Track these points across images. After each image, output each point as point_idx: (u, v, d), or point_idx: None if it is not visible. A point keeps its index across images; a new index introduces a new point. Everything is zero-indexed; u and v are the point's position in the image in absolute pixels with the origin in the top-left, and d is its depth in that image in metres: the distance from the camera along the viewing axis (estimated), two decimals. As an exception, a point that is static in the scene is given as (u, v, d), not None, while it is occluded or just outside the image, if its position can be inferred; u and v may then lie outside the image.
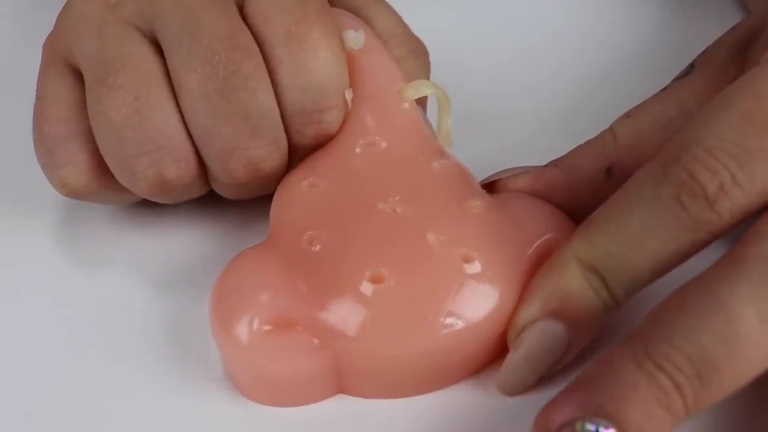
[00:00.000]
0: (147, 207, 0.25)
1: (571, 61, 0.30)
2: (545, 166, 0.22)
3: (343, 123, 0.22)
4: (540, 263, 0.20)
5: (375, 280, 0.19)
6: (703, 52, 0.22)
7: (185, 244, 0.24)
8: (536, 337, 0.19)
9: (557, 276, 0.19)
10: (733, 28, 0.22)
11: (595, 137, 0.22)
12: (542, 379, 0.20)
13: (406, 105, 0.23)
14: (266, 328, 0.19)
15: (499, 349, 0.20)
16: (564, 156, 0.22)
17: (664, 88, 0.22)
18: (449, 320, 0.19)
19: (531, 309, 0.19)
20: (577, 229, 0.19)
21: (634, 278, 0.18)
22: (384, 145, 0.22)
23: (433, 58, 0.25)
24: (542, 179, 0.22)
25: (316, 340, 0.19)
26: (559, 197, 0.21)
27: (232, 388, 0.20)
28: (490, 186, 0.22)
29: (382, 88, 0.23)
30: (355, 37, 0.22)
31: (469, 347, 0.20)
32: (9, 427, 0.20)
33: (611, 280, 0.18)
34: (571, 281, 0.19)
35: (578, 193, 0.21)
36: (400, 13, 0.25)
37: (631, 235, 0.18)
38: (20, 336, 0.22)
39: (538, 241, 0.20)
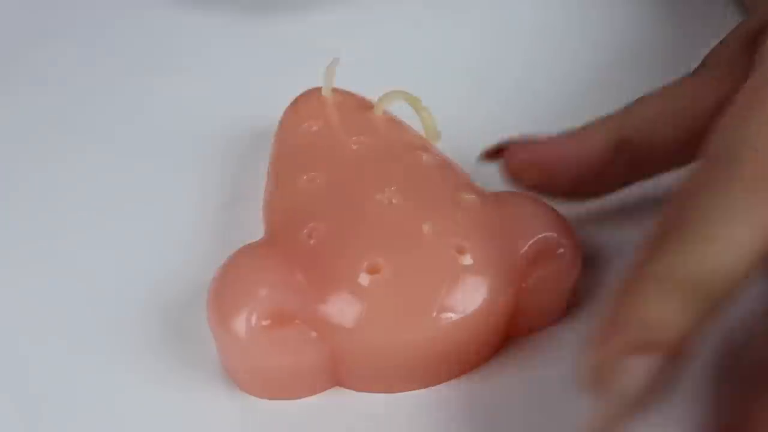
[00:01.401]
0: (145, 203, 0.25)
1: (567, 60, 0.30)
2: (556, 135, 0.22)
3: (335, 125, 0.23)
4: (534, 261, 0.20)
5: (372, 271, 0.19)
6: (711, 51, 0.22)
7: (183, 239, 0.24)
8: (628, 376, 0.16)
9: (638, 303, 0.17)
10: (737, 27, 0.23)
11: (608, 114, 0.22)
12: (536, 375, 0.20)
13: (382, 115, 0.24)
14: (264, 322, 0.19)
15: (494, 344, 0.20)
16: (575, 128, 0.22)
17: (676, 80, 0.22)
18: (444, 311, 0.19)
19: (615, 344, 0.16)
20: (647, 247, 0.17)
21: (719, 288, 0.16)
22: (372, 141, 0.23)
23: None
24: (551, 147, 0.22)
25: (314, 333, 0.19)
26: (565, 168, 0.21)
27: (228, 382, 0.20)
28: (499, 153, 0.22)
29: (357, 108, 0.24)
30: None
31: (464, 339, 0.20)
32: (7, 425, 0.20)
33: (697, 296, 0.16)
34: (655, 306, 0.16)
35: (586, 165, 0.21)
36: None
37: (710, 243, 0.16)
38: (17, 334, 0.22)
39: (533, 239, 0.20)
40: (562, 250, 0.21)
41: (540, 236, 0.21)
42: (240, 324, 0.19)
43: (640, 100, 0.22)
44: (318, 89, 0.25)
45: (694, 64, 0.23)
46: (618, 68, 0.32)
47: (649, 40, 0.33)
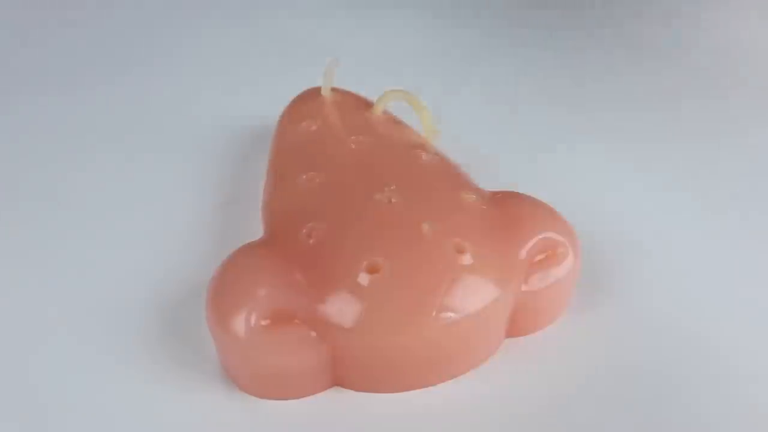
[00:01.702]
0: (143, 202, 0.25)
1: (570, 59, 0.31)
2: None
3: (334, 124, 0.23)
4: (534, 261, 0.20)
5: (371, 270, 0.19)
6: None
7: (181, 238, 0.24)
8: None
9: None
10: None
11: None
12: (535, 374, 0.20)
13: (381, 114, 0.24)
14: (264, 322, 0.19)
15: (494, 344, 0.20)
16: None
17: None
18: (443, 311, 0.19)
19: None
20: None
21: None
22: (371, 140, 0.23)
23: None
24: None
25: (313, 333, 0.19)
26: None
27: (228, 382, 0.20)
28: None
29: (357, 107, 0.24)
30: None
31: (464, 339, 0.20)
32: (6, 425, 0.20)
33: None
34: None
35: None
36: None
37: None
38: (17, 334, 0.22)
39: (533, 239, 0.20)
40: (561, 249, 0.21)
41: (540, 236, 0.21)
42: (239, 324, 0.19)
43: None
44: (317, 88, 0.25)
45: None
46: (621, 64, 0.32)
47: (650, 37, 0.33)
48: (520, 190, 0.22)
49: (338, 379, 0.20)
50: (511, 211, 0.21)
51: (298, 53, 0.33)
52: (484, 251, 0.20)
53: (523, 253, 0.20)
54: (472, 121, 0.28)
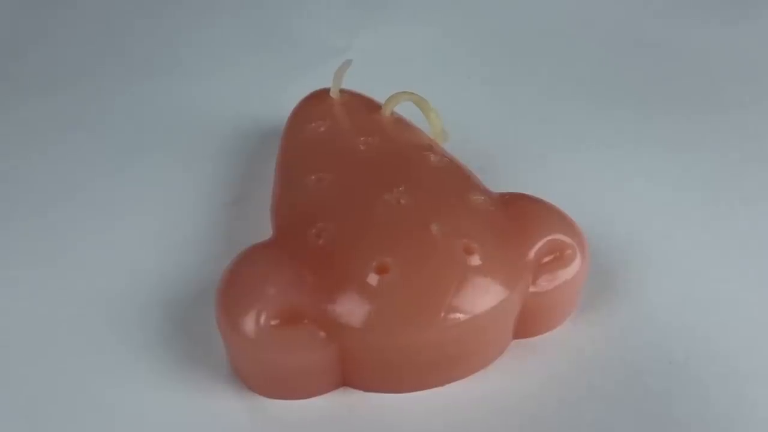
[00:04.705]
0: (152, 202, 0.25)
1: (576, 61, 0.31)
2: None
3: (343, 125, 0.23)
4: (542, 263, 0.20)
5: (380, 271, 0.19)
6: None
7: (190, 238, 0.24)
8: None
9: None
10: None
11: None
12: (544, 376, 0.20)
13: (390, 114, 0.24)
14: (273, 322, 0.19)
15: (502, 345, 0.20)
16: None
17: None
18: (452, 312, 0.19)
19: None
20: None
21: None
22: (380, 141, 0.23)
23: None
24: None
25: (322, 333, 0.19)
26: None
27: (237, 382, 0.20)
28: None
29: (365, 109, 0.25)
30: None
31: (472, 340, 0.20)
32: (12, 425, 0.20)
33: None
34: None
35: None
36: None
37: None
38: (24, 335, 0.22)
39: (541, 241, 0.20)
40: (570, 251, 0.21)
41: (548, 238, 0.21)
42: (248, 324, 0.19)
43: None
44: (326, 90, 0.25)
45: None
46: (626, 65, 0.32)
47: (658, 41, 0.33)
48: (529, 192, 0.22)
49: (347, 380, 0.20)
50: (519, 213, 0.21)
51: (307, 54, 0.33)
52: (493, 252, 0.20)
53: (531, 254, 0.20)
54: (480, 123, 0.28)
